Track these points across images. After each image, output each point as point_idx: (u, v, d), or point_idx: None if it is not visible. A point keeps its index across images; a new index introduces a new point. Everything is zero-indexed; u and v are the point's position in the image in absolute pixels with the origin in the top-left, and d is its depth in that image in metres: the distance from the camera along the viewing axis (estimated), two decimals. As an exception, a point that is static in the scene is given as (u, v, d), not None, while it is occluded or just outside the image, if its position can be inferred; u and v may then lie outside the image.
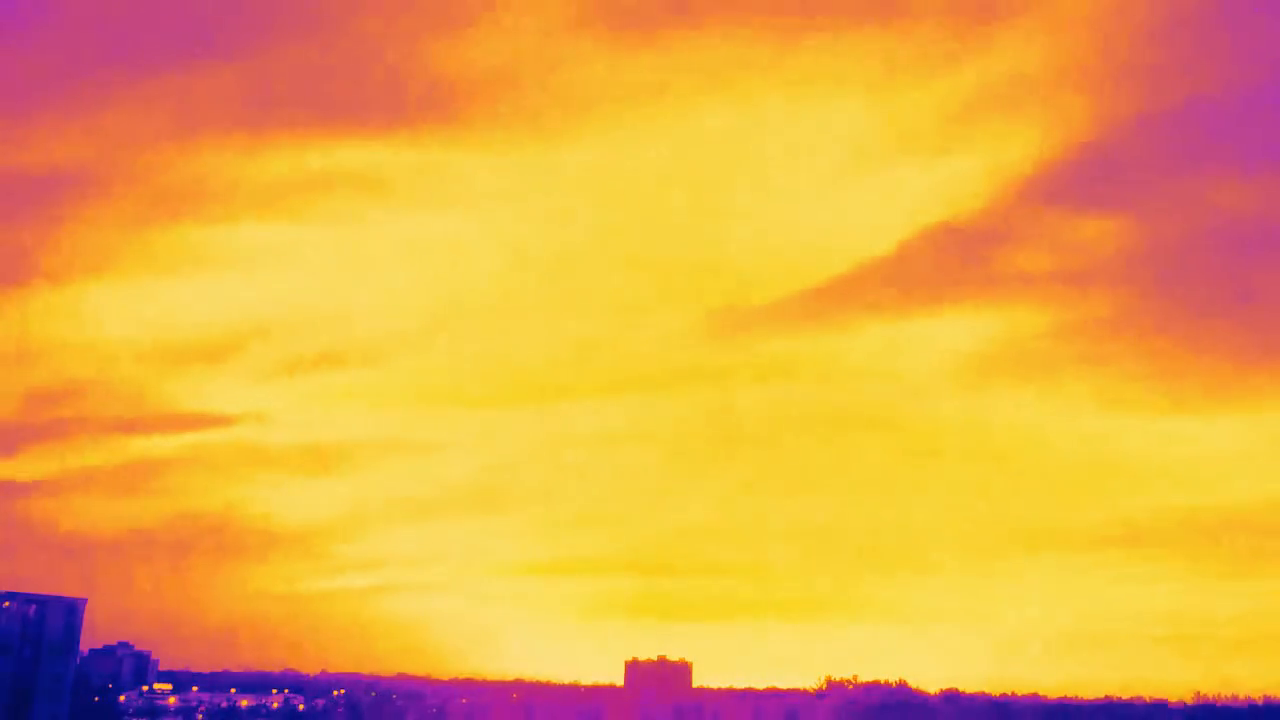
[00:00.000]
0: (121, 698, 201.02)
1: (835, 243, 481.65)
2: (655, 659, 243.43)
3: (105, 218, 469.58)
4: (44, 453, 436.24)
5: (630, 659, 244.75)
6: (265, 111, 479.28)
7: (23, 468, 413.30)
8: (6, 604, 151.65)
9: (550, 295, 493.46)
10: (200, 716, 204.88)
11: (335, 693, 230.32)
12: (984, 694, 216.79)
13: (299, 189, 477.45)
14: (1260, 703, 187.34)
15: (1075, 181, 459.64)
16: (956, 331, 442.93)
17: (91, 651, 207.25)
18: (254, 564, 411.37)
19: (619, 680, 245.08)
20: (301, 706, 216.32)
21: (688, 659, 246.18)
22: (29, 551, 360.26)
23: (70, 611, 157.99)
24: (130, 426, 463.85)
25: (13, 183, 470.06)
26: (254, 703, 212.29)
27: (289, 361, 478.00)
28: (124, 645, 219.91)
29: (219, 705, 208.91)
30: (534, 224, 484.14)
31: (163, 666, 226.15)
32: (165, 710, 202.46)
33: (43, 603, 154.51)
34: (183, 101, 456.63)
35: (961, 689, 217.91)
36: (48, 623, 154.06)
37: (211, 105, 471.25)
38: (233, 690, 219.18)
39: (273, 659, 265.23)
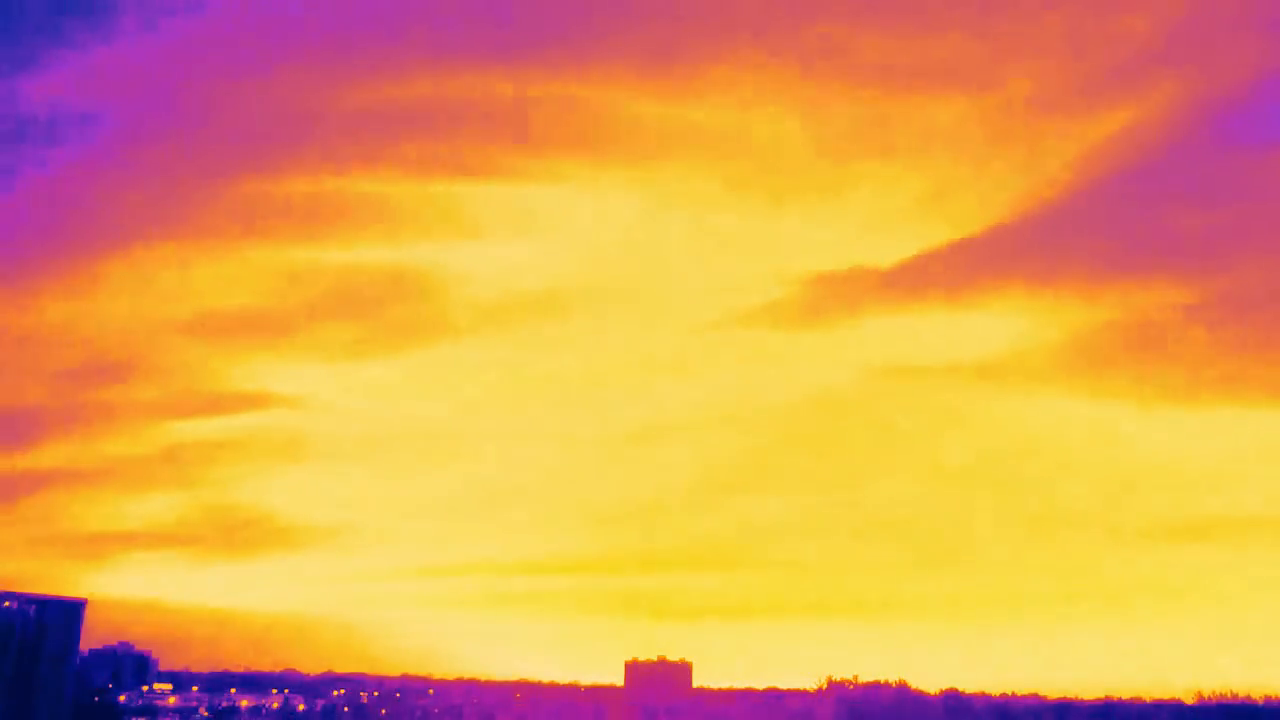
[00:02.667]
0: (121, 698, 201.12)
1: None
2: (655, 659, 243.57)
3: (153, 169, 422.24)
4: (67, 441, 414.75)
5: (630, 659, 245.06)
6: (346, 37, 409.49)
7: (41, 457, 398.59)
8: (6, 604, 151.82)
9: (671, 273, 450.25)
10: (200, 715, 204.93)
11: (335, 693, 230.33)
12: (984, 694, 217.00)
13: (386, 130, 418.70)
14: (1260, 703, 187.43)
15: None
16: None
17: (91, 651, 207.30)
18: (260, 561, 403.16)
19: (619, 680, 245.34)
20: (302, 706, 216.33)
21: (688, 659, 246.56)
22: (35, 547, 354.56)
23: (70, 611, 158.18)
24: (165, 411, 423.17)
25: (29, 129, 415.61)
26: (254, 703, 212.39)
27: (350, 339, 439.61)
28: (124, 645, 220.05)
29: (219, 705, 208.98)
30: (666, 190, 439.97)
31: (163, 666, 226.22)
32: (165, 710, 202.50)
33: (43, 603, 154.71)
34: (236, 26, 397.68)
35: (961, 689, 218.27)
36: (48, 623, 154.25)
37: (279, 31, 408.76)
38: (233, 690, 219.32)
39: (273, 659, 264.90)
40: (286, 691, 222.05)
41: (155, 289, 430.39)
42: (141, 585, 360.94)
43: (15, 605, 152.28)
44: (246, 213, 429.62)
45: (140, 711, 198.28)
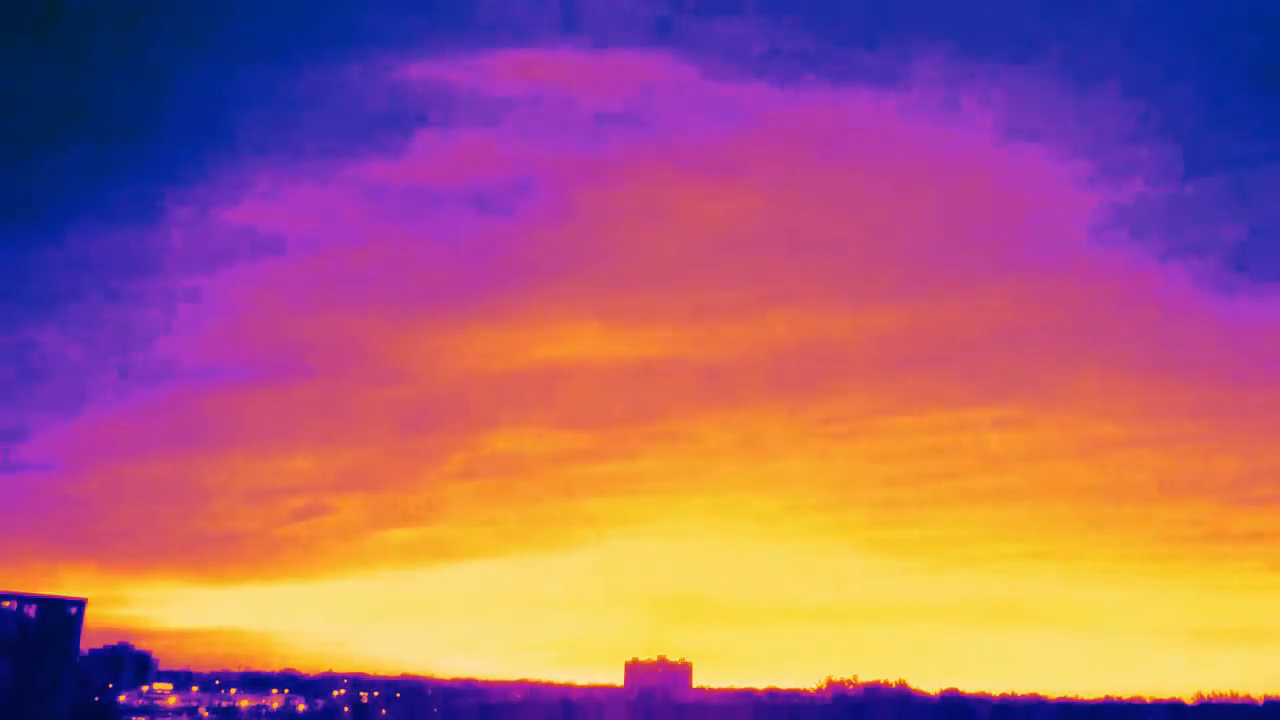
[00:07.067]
0: (122, 698, 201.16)
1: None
2: (655, 659, 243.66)
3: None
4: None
5: (630, 659, 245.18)
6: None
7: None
8: (6, 604, 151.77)
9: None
10: (200, 715, 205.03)
11: (335, 693, 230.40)
12: (984, 694, 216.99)
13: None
14: (1260, 703, 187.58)
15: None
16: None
17: (91, 651, 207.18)
18: (261, 558, 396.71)
19: (619, 680, 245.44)
20: (302, 706, 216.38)
21: (688, 659, 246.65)
22: (36, 546, 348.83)
23: (70, 612, 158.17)
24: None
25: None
26: (254, 703, 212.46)
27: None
28: (124, 645, 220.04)
29: (219, 705, 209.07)
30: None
31: (163, 666, 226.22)
32: (165, 710, 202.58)
33: (43, 603, 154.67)
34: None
35: (961, 689, 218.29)
36: (48, 623, 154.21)
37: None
38: (233, 690, 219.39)
39: (273, 659, 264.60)
40: (286, 691, 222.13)
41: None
42: (143, 587, 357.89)
43: (15, 605, 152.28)
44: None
45: (140, 711, 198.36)
